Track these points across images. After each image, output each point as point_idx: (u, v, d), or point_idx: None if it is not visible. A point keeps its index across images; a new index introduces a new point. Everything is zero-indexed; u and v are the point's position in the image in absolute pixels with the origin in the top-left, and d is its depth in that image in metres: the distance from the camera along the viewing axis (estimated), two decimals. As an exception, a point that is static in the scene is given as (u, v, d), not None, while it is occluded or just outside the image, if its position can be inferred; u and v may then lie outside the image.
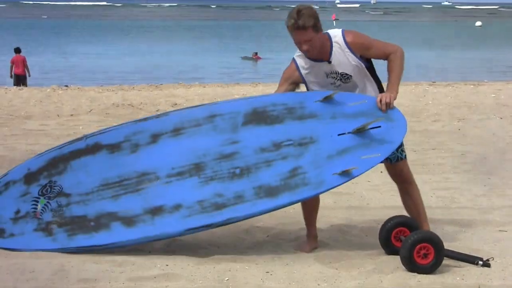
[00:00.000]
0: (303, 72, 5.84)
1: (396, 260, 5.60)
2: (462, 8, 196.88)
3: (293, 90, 5.92)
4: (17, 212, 5.79)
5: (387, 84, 5.78)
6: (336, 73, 5.77)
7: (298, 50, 5.82)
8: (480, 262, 5.62)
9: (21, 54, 23.92)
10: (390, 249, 5.92)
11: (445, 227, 6.70)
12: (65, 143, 5.89)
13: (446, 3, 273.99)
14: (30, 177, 5.79)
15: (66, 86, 20.38)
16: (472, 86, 19.17)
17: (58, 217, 5.75)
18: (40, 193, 5.78)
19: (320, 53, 5.72)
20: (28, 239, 5.76)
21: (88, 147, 5.76)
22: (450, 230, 6.65)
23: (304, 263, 5.67)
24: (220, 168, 5.67)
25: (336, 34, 5.77)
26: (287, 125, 5.71)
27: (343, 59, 5.74)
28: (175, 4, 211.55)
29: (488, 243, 6.27)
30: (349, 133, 5.68)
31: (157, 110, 14.50)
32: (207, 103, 5.91)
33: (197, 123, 5.73)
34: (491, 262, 5.65)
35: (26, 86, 22.46)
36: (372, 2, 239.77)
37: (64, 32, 63.49)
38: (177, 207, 5.65)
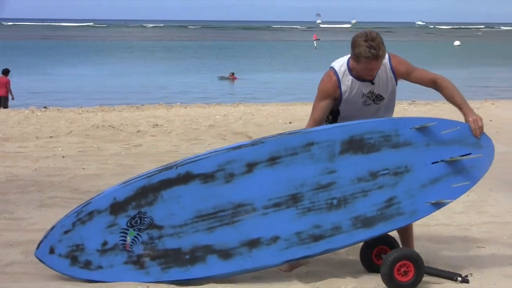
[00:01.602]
0: (343, 89, 5.76)
1: (377, 278, 5.62)
2: (443, 28, 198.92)
3: (331, 105, 5.81)
4: (104, 243, 5.53)
5: (462, 109, 5.81)
6: (372, 93, 5.77)
7: (340, 65, 5.77)
8: (459, 278, 5.66)
9: (7, 76, 23.73)
10: (371, 267, 5.95)
11: (424, 244, 6.74)
12: (153, 171, 5.60)
13: (420, 22, 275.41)
14: (117, 207, 5.53)
15: (45, 107, 20.33)
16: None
17: (150, 250, 5.54)
18: (129, 224, 5.53)
19: None
20: (118, 272, 5.54)
21: (180, 176, 5.51)
22: (429, 247, 6.69)
23: (286, 282, 5.67)
24: (317, 199, 5.57)
25: None
26: (383, 153, 5.63)
27: (385, 81, 5.76)
28: (162, 25, 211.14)
29: (466, 260, 6.32)
30: (442, 161, 5.70)
31: (137, 131, 14.49)
32: (302, 129, 5.75)
33: (294, 151, 5.55)
34: (469, 278, 5.70)
35: (7, 107, 22.35)
36: (352, 22, 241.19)
37: (44, 53, 63.32)
38: (275, 239, 5.54)
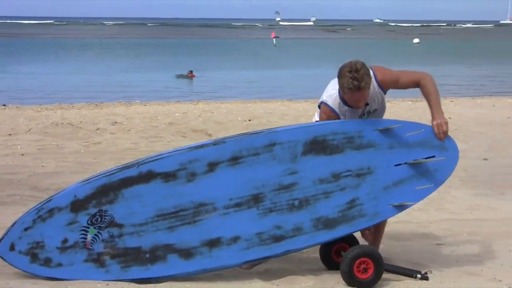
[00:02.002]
0: (342, 118, 5.76)
1: (336, 275, 5.65)
2: (403, 26, 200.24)
3: None
4: (64, 241, 5.49)
5: (432, 110, 5.79)
6: (368, 111, 5.82)
7: (333, 100, 5.77)
8: (419, 276, 5.71)
9: None
10: (330, 265, 5.97)
11: (384, 241, 6.76)
12: (114, 169, 5.59)
13: (378, 20, 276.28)
14: (77, 205, 5.49)
15: (4, 105, 20.07)
16: (410, 102, 19.46)
17: (111, 248, 5.51)
18: (89, 222, 5.49)
19: None
20: (78, 270, 5.50)
21: (141, 175, 5.49)
22: (389, 245, 6.73)
23: (245, 280, 5.67)
24: (279, 199, 5.57)
25: None
26: (346, 155, 5.64)
27: (375, 97, 5.78)
28: (121, 23, 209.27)
29: (426, 257, 6.38)
30: (405, 163, 5.71)
31: (97, 129, 14.38)
32: (265, 129, 5.77)
33: (256, 152, 5.55)
34: (429, 275, 5.75)
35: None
36: (311, 19, 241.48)
37: (1, 51, 62.58)
38: (235, 239, 5.54)
